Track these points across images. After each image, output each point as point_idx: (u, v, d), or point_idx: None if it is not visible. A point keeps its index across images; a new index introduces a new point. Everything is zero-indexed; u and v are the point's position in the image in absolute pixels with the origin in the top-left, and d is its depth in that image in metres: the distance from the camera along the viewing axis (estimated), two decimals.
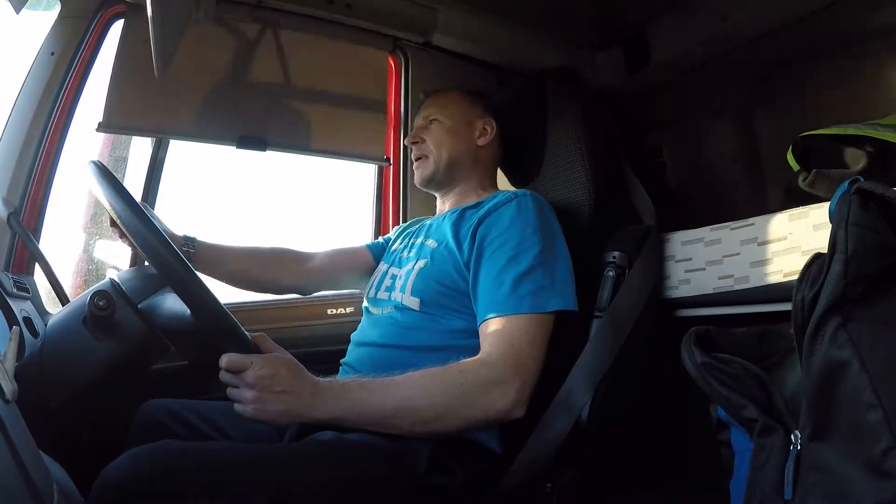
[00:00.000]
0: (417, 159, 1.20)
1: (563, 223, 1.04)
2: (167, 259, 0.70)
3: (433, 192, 1.23)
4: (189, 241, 1.14)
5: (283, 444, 0.89)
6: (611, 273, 1.05)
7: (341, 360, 1.08)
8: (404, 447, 0.82)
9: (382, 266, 1.18)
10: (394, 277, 1.09)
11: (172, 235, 1.12)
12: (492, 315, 0.90)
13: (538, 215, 0.99)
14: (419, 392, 0.80)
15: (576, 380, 0.95)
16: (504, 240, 0.96)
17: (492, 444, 0.92)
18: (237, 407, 0.76)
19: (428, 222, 1.17)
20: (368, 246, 1.31)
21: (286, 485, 0.73)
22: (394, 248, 1.21)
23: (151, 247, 0.70)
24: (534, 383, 0.87)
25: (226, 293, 1.26)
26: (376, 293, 1.11)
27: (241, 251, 1.23)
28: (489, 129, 1.20)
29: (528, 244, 0.95)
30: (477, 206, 1.06)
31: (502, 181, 1.31)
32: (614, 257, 1.06)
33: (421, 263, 1.03)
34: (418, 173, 1.20)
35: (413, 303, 0.99)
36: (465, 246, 0.99)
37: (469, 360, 0.85)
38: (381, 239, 1.33)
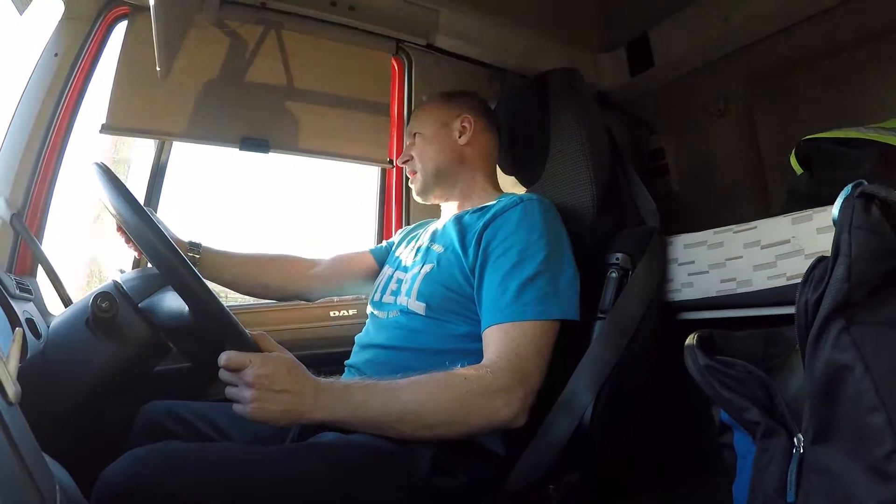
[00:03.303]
0: (411, 175, 1.20)
1: (567, 225, 1.03)
2: (163, 252, 0.70)
3: (436, 202, 1.22)
4: (194, 247, 1.15)
5: (285, 445, 0.89)
6: (614, 275, 1.05)
7: (345, 362, 1.07)
8: (407, 449, 0.82)
9: (387, 270, 1.17)
10: (399, 281, 1.08)
11: (177, 240, 1.12)
12: (496, 321, 0.89)
13: (544, 220, 0.98)
14: (423, 398, 0.80)
15: (578, 382, 0.94)
16: (509, 245, 0.95)
17: (495, 446, 0.91)
18: (236, 407, 0.75)
19: (433, 226, 1.17)
20: (372, 251, 1.30)
21: (287, 486, 0.72)
22: (398, 251, 1.20)
23: (150, 242, 0.70)
24: (537, 391, 0.86)
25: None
26: (381, 297, 1.10)
27: (246, 257, 1.23)
28: (468, 126, 1.17)
29: (534, 250, 0.94)
30: (483, 210, 1.05)
31: (506, 184, 1.31)
32: (617, 259, 1.06)
33: (427, 268, 1.03)
34: (413, 189, 1.21)
35: (419, 307, 0.99)
36: (471, 251, 0.98)
37: (474, 367, 0.85)
38: (384, 243, 1.33)
